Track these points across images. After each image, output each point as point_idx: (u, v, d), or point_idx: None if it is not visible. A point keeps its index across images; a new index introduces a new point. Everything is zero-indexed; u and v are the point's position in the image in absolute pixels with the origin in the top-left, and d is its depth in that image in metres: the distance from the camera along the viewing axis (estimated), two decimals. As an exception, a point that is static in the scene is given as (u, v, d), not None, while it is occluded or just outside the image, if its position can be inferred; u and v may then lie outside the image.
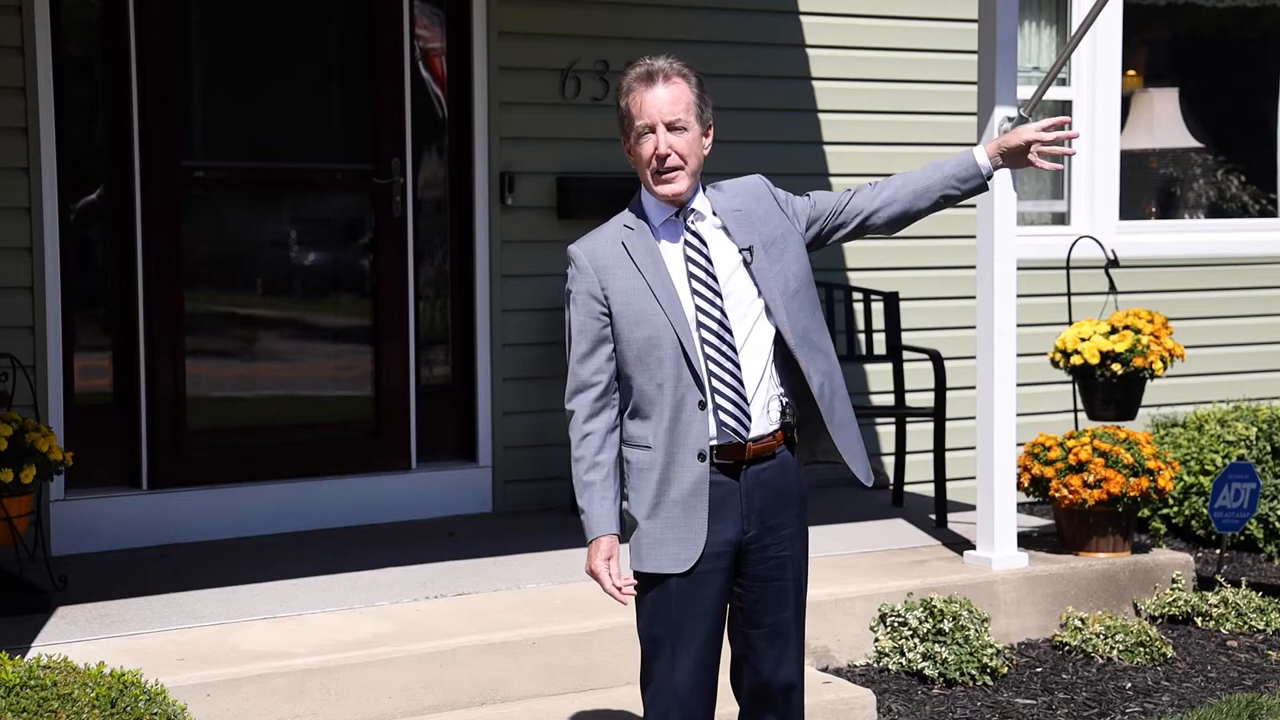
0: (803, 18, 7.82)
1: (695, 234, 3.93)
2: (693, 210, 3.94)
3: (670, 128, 3.86)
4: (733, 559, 3.95)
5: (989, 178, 4.15)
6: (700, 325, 3.88)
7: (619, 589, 3.89)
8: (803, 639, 4.07)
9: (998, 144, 4.16)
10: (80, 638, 5.26)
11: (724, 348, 3.88)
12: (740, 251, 3.92)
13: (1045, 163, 4.14)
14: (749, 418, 3.89)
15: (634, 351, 3.90)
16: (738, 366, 3.88)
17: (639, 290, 3.89)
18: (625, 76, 3.93)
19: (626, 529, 3.97)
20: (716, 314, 3.89)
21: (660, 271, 3.90)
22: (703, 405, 3.87)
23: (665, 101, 3.86)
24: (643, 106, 3.87)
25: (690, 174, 3.90)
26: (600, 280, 3.92)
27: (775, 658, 4.01)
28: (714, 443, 3.89)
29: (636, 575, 3.95)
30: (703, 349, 3.87)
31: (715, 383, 3.88)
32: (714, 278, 3.90)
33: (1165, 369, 7.29)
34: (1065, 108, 8.65)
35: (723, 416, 3.88)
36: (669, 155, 3.87)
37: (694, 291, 3.89)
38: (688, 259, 3.92)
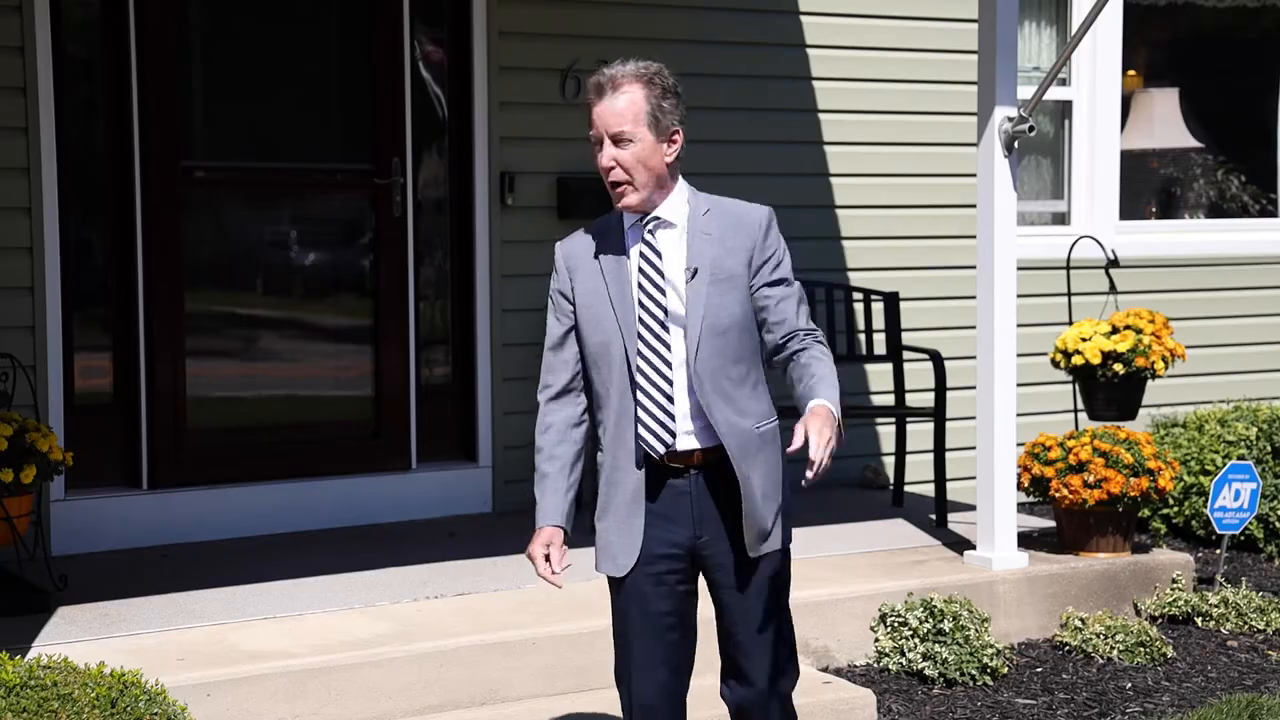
0: (803, 18, 7.81)
1: (650, 244, 3.88)
2: (657, 219, 3.88)
3: (616, 141, 3.80)
4: (687, 563, 3.93)
5: None
6: (639, 335, 3.85)
7: (553, 573, 3.89)
8: (778, 656, 3.98)
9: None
10: (80, 638, 5.26)
11: (655, 359, 3.84)
12: (685, 269, 3.86)
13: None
14: (671, 435, 3.85)
15: (590, 354, 3.92)
16: (669, 382, 3.85)
17: (599, 293, 3.89)
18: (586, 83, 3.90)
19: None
20: (655, 325, 3.85)
21: (620, 277, 3.88)
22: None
23: (610, 114, 3.79)
24: (592, 118, 3.83)
25: (641, 186, 3.83)
26: (570, 280, 3.95)
27: (744, 672, 3.98)
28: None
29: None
30: (639, 359, 3.85)
31: (640, 394, 3.85)
32: (660, 289, 3.85)
33: (1167, 369, 7.29)
34: (1065, 108, 8.66)
35: (640, 430, 3.86)
36: (612, 168, 3.81)
37: (639, 302, 3.86)
38: (639, 268, 3.88)
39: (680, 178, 3.93)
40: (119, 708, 4.15)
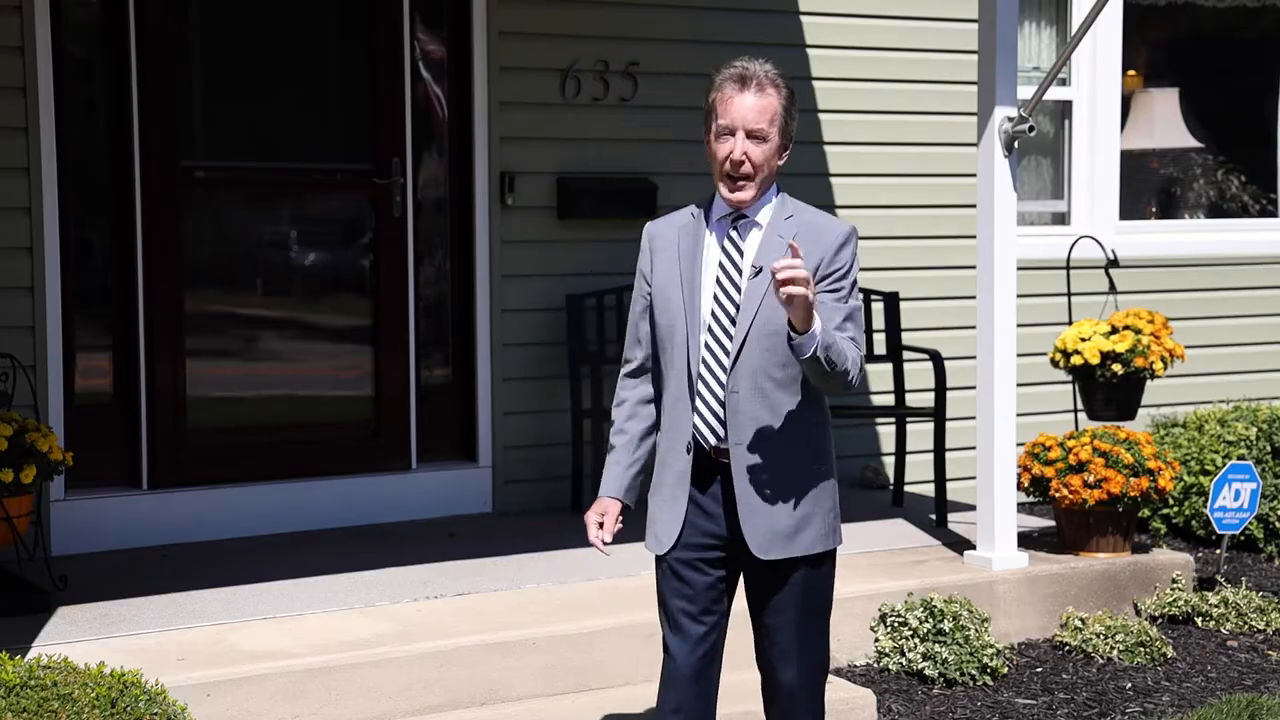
0: (803, 18, 7.81)
1: (734, 240, 3.95)
2: (744, 217, 3.95)
3: (750, 135, 3.88)
4: (724, 554, 3.99)
5: (794, 345, 3.76)
6: (708, 328, 3.93)
7: (602, 542, 4.05)
8: (806, 649, 4.02)
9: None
10: (80, 638, 5.25)
11: (720, 352, 3.92)
12: (751, 266, 3.93)
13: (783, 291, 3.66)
14: (724, 426, 3.93)
15: (659, 335, 4.02)
16: (729, 375, 3.92)
17: (673, 278, 3.98)
18: (719, 73, 3.95)
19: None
20: (725, 320, 3.92)
21: (695, 266, 3.96)
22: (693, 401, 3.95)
23: (751, 109, 3.88)
24: (729, 108, 3.89)
25: (759, 184, 3.91)
26: (651, 260, 4.04)
27: (771, 662, 4.05)
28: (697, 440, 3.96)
29: None
30: (703, 350, 3.92)
31: (700, 385, 3.93)
32: (736, 287, 3.93)
33: (1166, 369, 7.30)
34: (1065, 108, 8.66)
35: (696, 420, 3.94)
36: (743, 162, 3.88)
37: (714, 295, 3.93)
38: (719, 262, 3.96)
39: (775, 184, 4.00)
40: (119, 708, 4.15)
